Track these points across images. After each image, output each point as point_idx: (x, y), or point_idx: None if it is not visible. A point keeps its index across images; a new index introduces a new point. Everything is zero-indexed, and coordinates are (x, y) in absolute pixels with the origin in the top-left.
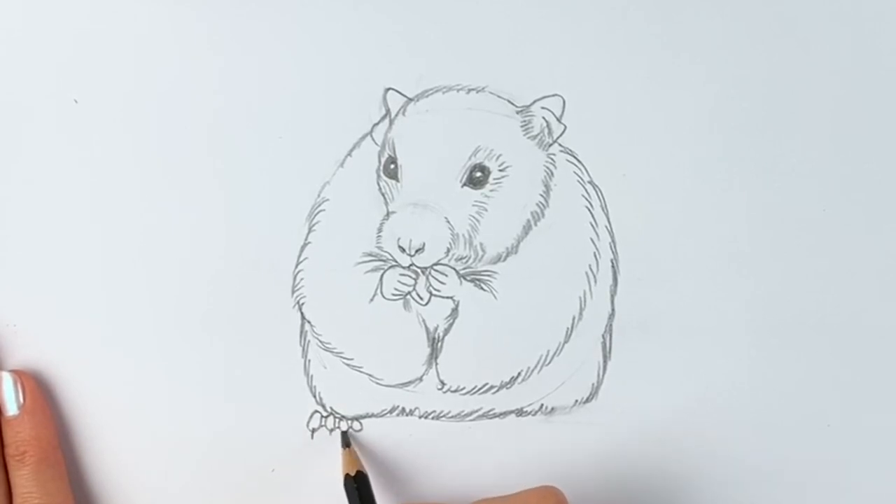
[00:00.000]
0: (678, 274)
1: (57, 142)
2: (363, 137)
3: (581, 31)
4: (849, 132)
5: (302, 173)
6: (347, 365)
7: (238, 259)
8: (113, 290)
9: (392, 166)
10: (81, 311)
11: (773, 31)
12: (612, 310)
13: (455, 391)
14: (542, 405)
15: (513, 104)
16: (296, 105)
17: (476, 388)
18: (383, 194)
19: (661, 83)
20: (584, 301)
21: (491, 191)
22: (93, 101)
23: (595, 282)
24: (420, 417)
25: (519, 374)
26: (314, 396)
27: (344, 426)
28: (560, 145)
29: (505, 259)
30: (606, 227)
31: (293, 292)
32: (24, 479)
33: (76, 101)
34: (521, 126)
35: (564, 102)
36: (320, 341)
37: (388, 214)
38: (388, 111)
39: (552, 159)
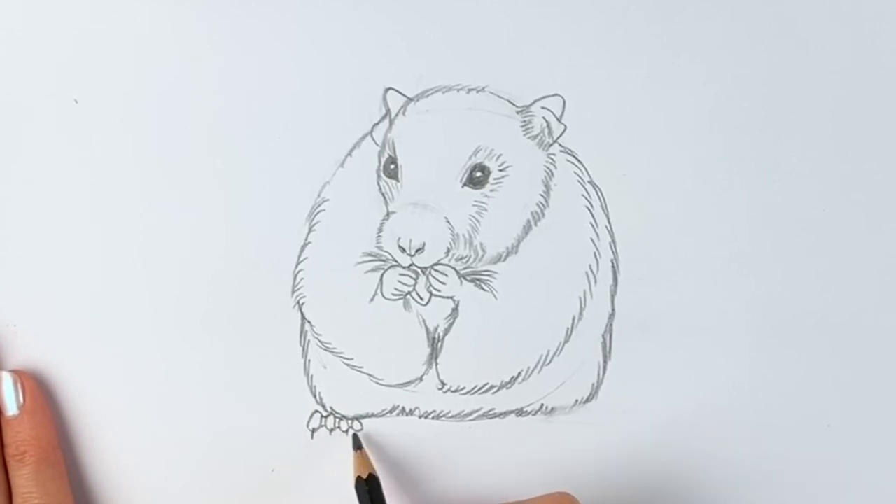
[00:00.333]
0: (678, 274)
1: (57, 142)
2: (363, 137)
3: (581, 31)
4: (849, 132)
5: (302, 173)
6: (347, 365)
7: (238, 259)
8: (113, 290)
9: (392, 166)
10: (81, 311)
11: (773, 31)
12: (613, 310)
13: (455, 391)
14: (542, 405)
15: (513, 104)
16: (296, 105)
17: (476, 388)
18: (383, 194)
19: (661, 83)
20: (585, 301)
21: (491, 191)
22: (93, 101)
23: (595, 282)
24: (420, 417)
25: (519, 373)
26: (314, 396)
27: (344, 426)
28: (560, 145)
29: (505, 259)
30: (606, 227)
31: (293, 292)
32: (24, 479)
33: (76, 101)
34: (522, 126)
35: (564, 102)
36: (320, 341)
37: (388, 214)
38: (388, 111)
39: (552, 159)
